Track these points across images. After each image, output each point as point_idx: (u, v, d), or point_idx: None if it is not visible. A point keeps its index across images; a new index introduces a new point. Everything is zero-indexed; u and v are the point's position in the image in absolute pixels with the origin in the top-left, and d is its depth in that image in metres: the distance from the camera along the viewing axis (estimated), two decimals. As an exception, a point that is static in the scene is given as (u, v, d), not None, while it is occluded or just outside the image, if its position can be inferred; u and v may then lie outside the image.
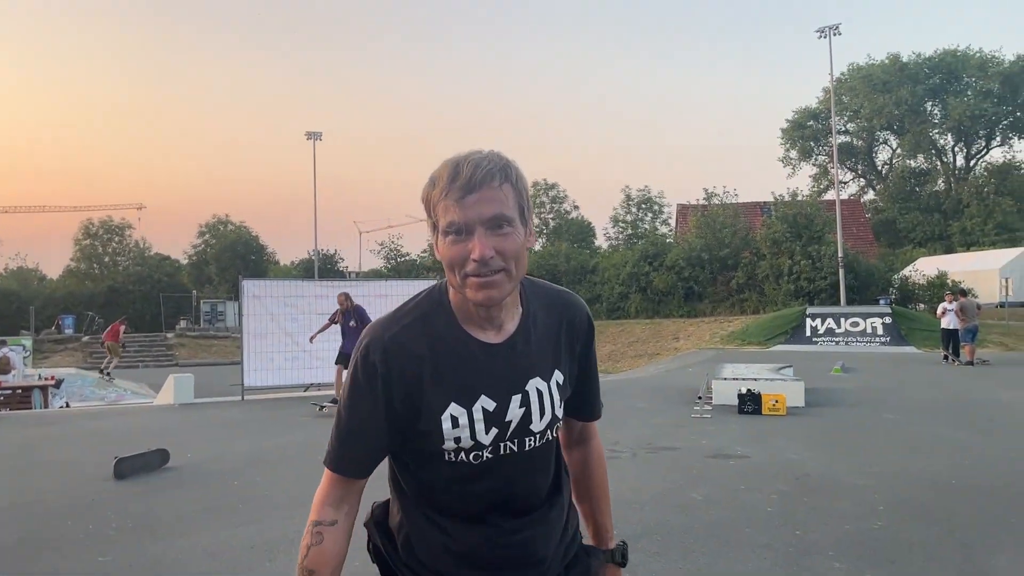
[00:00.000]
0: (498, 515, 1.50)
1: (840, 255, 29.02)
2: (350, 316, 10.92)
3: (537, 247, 49.25)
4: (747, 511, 5.30)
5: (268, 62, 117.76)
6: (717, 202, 37.44)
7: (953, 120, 49.97)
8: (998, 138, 52.58)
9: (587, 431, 1.74)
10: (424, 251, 47.63)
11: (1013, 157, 53.07)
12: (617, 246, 43.68)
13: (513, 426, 1.46)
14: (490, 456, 1.46)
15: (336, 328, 11.26)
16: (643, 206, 45.19)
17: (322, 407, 10.95)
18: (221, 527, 5.07)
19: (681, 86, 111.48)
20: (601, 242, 49.14)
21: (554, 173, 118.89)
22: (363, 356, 1.42)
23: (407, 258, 46.55)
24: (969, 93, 51.37)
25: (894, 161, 57.00)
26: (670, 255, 35.01)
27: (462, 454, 1.44)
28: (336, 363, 10.89)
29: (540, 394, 1.49)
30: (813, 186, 54.59)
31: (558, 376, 1.53)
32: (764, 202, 41.07)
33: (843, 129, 55.05)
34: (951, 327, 17.73)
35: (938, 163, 53.11)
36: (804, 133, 55.31)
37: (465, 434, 1.42)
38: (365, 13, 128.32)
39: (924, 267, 32.94)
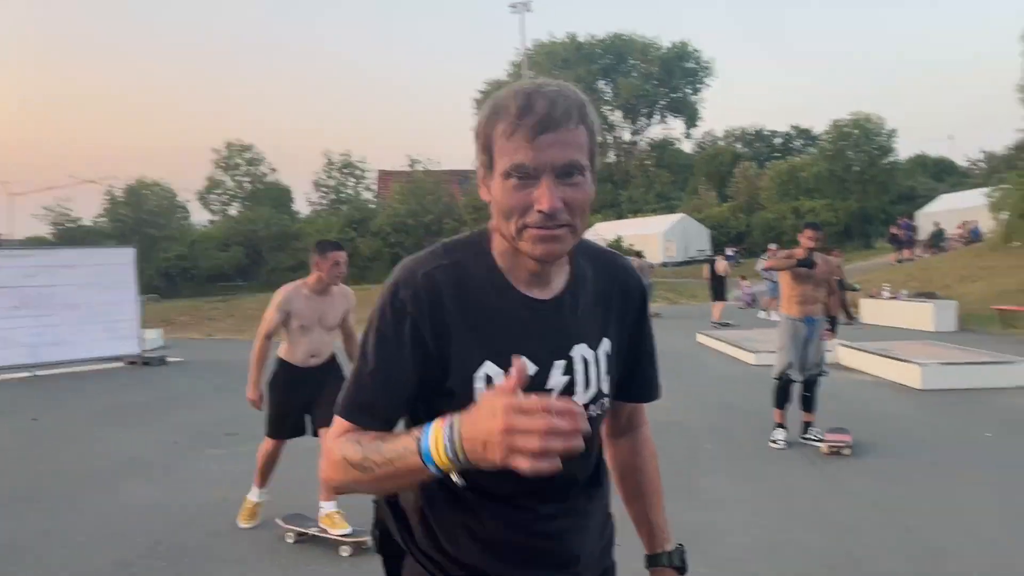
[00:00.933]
0: (531, 497, 1.31)
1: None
2: None
3: (233, 211, 46.75)
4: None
5: None
6: (421, 169, 38.34)
7: (622, 98, 55.90)
8: (657, 116, 59.78)
9: (637, 416, 1.57)
10: (100, 216, 42.89)
11: (669, 134, 60.80)
12: (320, 211, 42.93)
13: (554, 396, 1.21)
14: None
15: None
16: (345, 171, 44.81)
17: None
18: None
19: (383, 53, 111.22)
20: (301, 207, 47.96)
21: (249, 135, 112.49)
22: (392, 293, 1.25)
23: (79, 224, 41.65)
24: (634, 74, 57.63)
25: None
26: (376, 221, 35.29)
27: None
28: None
29: (586, 362, 1.32)
30: (504, 156, 58.07)
31: (607, 345, 1.36)
32: (462, 170, 42.86)
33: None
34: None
35: (610, 138, 59.08)
36: (495, 104, 58.47)
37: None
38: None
39: (603, 232, 36.72)
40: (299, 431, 4.71)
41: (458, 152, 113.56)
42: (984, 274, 21.66)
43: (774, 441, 6.54)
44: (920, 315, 16.30)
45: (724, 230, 44.14)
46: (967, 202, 32.94)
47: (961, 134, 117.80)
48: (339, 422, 1.25)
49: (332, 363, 4.73)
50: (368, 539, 4.20)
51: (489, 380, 1.23)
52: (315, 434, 4.57)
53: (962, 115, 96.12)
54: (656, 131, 60.11)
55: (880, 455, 6.28)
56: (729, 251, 27.33)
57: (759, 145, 64.97)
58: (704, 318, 18.62)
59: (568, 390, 1.30)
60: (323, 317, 4.59)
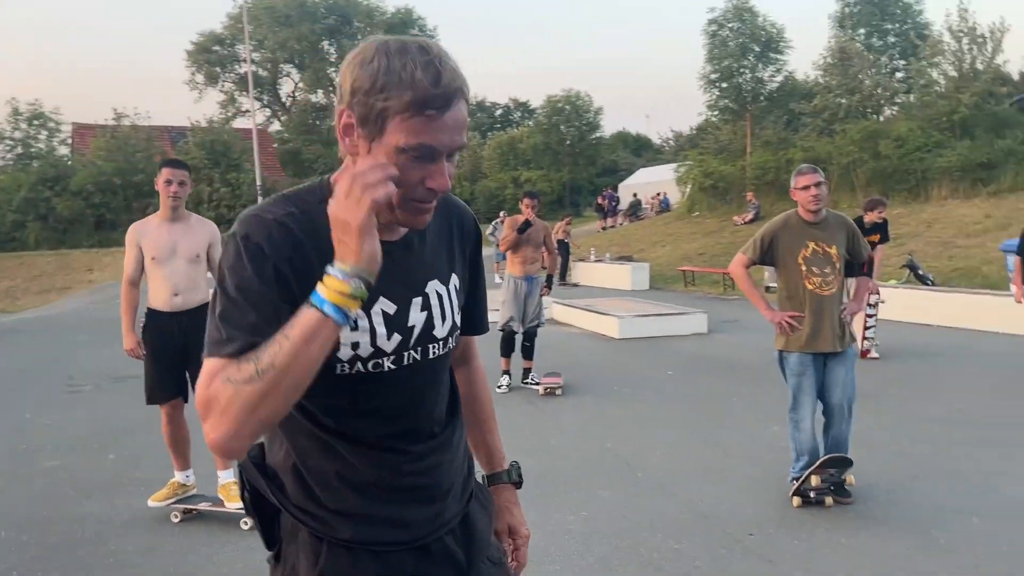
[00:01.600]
0: (402, 440, 1.34)
1: (259, 183, 30.28)
2: None
3: None
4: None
5: None
6: (128, 123, 35.10)
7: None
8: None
9: (470, 349, 1.64)
10: None
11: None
12: (6, 167, 37.68)
13: (416, 332, 1.32)
14: (392, 367, 1.30)
15: None
16: (35, 122, 39.59)
17: None
18: None
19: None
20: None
21: None
22: (244, 238, 1.18)
23: None
24: (359, 37, 57.07)
25: (296, 94, 60.41)
26: (75, 179, 31.86)
27: (359, 364, 1.26)
28: None
29: (440, 297, 1.37)
30: (221, 112, 54.75)
31: (455, 280, 1.42)
32: (176, 127, 39.93)
33: (249, 59, 56.17)
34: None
35: (335, 99, 58.17)
36: (210, 58, 54.77)
37: (365, 339, 1.25)
38: None
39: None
40: (181, 389, 4.21)
41: (169, 106, 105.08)
42: (671, 240, 24.81)
43: (499, 386, 7.30)
44: (620, 276, 18.41)
45: (449, 197, 45.53)
46: (660, 176, 37.11)
47: (656, 113, 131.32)
48: (210, 364, 1.14)
49: (204, 311, 4.35)
50: None
51: (356, 323, 1.23)
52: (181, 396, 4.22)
53: (658, 96, 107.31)
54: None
55: (585, 393, 7.30)
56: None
57: (481, 116, 67.56)
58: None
59: (428, 324, 1.34)
60: (178, 246, 4.13)
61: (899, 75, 29.42)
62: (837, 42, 28.38)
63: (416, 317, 1.32)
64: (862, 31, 31.32)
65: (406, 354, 1.31)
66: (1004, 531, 3.91)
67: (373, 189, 1.10)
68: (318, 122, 57.16)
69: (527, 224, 7.32)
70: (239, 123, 48.98)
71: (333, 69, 57.06)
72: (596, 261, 20.23)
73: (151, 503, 4.27)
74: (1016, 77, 26.51)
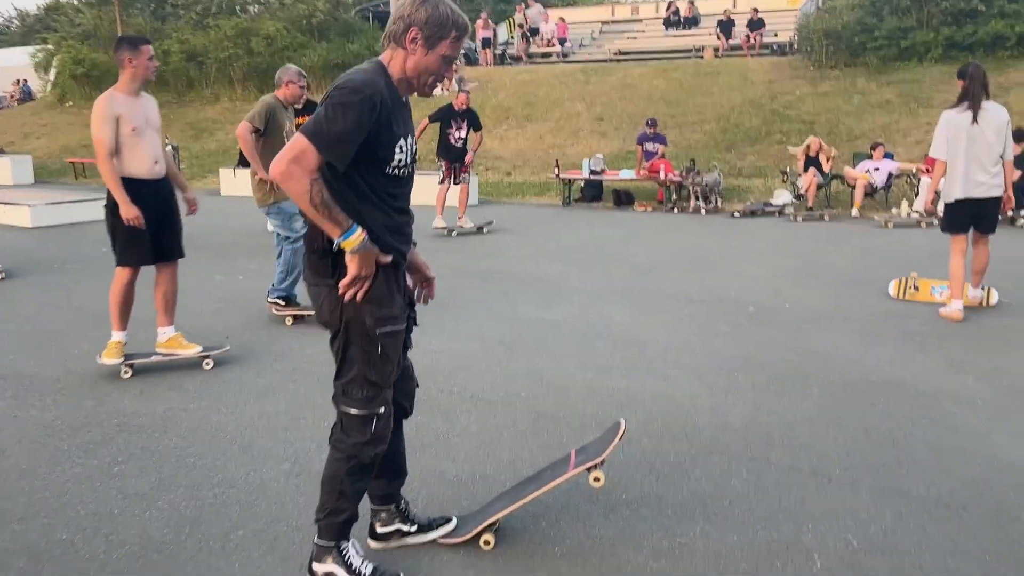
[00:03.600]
0: (406, 211, 2.40)
1: None
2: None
3: None
4: None
5: None
6: None
7: None
8: None
9: None
10: None
11: None
12: None
13: (414, 154, 2.37)
14: (408, 171, 2.33)
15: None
16: None
17: None
18: None
19: None
20: None
21: None
22: (369, 95, 2.12)
23: None
24: None
25: None
26: None
27: (397, 169, 2.27)
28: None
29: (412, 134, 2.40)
30: None
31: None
32: None
33: None
34: None
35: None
36: None
37: (401, 156, 2.27)
38: None
39: None
40: (156, 256, 4.57)
41: None
42: (46, 131, 23.18)
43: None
44: (-1, 170, 16.98)
45: None
46: (14, 60, 33.03)
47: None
48: (306, 143, 2.10)
49: (169, 182, 4.62)
50: (226, 347, 4.89)
51: (400, 148, 2.25)
52: (166, 260, 4.62)
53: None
54: None
55: (35, 277, 7.65)
56: None
57: None
58: None
59: (414, 152, 2.38)
60: (149, 117, 4.50)
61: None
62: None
63: (413, 148, 2.38)
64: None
65: (412, 166, 2.38)
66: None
67: (365, 280, 2.23)
68: None
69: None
70: None
71: None
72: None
73: (105, 360, 4.55)
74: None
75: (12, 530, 2.84)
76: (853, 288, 6.82)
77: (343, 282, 2.20)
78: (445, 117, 9.79)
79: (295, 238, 5.72)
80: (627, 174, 12.97)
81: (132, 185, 4.36)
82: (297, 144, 2.10)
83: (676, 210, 12.29)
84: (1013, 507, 2.98)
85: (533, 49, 24.68)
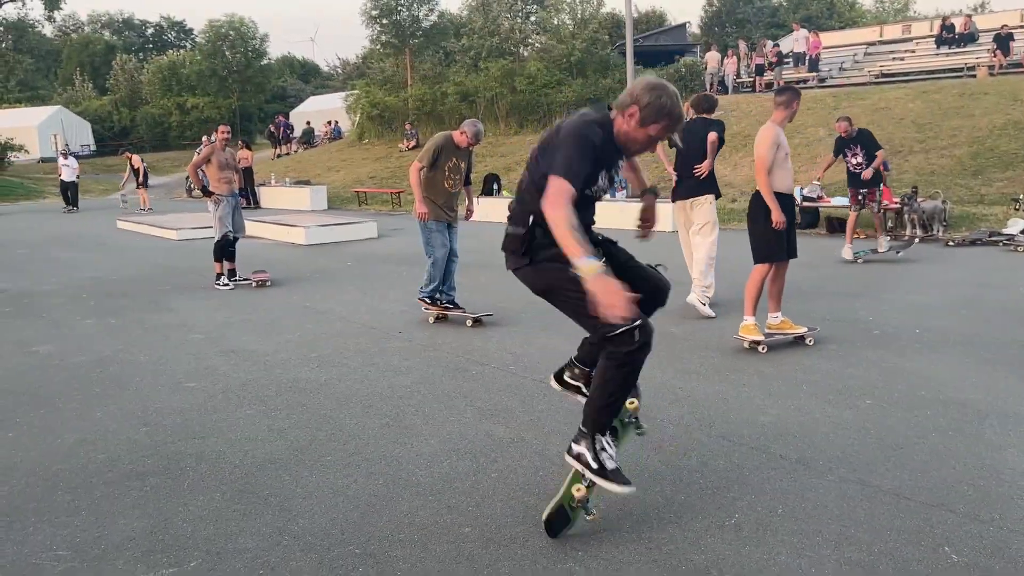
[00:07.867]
0: (591, 219, 3.00)
1: None
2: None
3: None
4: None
5: None
6: None
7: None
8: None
9: None
10: None
11: (27, 15, 54.50)
12: None
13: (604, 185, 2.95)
14: (595, 195, 2.94)
15: None
16: None
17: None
18: None
19: None
20: None
21: None
22: (589, 130, 2.77)
23: None
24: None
25: None
26: None
27: (592, 192, 2.89)
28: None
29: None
30: None
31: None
32: None
33: None
34: None
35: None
36: None
37: (598, 184, 2.88)
38: None
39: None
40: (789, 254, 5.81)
41: None
42: (344, 165, 27.13)
43: (223, 284, 9.29)
44: (300, 198, 20.47)
45: (108, 124, 43.11)
46: (330, 104, 38.76)
47: (321, 39, 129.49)
48: (560, 180, 2.65)
49: None
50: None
51: (600, 178, 2.87)
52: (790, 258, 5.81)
53: (321, 19, 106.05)
54: (11, 10, 53.33)
55: (291, 284, 9.64)
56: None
57: (130, 35, 62.90)
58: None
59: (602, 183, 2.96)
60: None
61: (532, 19, 34.15)
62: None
63: (605, 180, 2.98)
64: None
65: (601, 192, 3.00)
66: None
67: (615, 308, 2.46)
68: None
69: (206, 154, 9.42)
70: None
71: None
72: (276, 185, 21.95)
73: (743, 336, 5.71)
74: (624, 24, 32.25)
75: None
76: (1012, 318, 6.53)
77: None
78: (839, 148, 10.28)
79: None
80: (840, 201, 12.67)
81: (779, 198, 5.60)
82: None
83: (890, 238, 11.81)
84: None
85: (787, 75, 24.25)
